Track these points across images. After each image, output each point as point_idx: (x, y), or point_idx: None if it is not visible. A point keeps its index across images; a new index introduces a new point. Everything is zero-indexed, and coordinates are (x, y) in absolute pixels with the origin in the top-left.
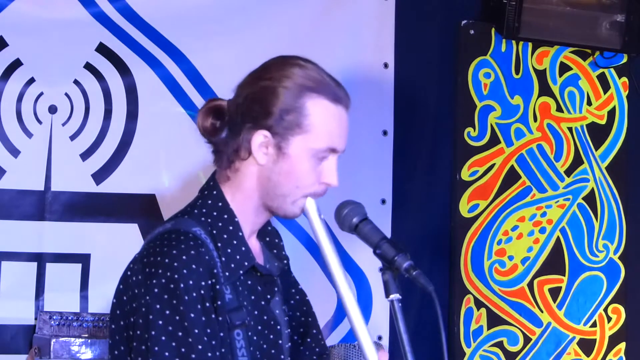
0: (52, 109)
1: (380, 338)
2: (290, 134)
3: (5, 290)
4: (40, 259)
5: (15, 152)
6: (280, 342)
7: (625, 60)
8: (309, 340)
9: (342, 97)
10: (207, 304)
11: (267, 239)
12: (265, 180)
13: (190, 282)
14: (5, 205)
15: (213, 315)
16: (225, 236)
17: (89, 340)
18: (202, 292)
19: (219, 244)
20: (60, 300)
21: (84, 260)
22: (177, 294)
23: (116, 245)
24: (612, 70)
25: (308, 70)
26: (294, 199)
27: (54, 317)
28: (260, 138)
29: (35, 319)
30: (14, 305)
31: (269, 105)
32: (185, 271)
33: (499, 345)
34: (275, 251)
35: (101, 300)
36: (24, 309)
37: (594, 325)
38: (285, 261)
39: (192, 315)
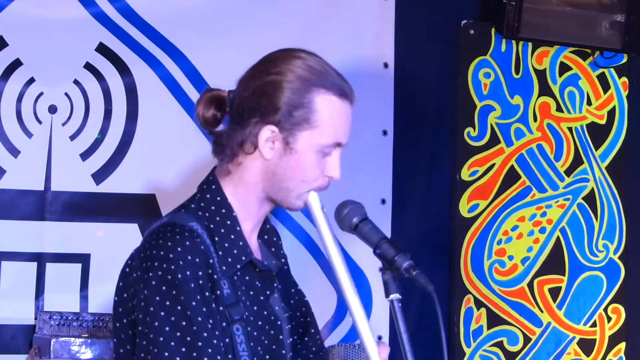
0: (52, 109)
1: (380, 338)
2: (298, 130)
3: (5, 290)
4: (40, 259)
5: (15, 152)
6: (281, 337)
7: (625, 60)
8: (306, 339)
9: (347, 92)
10: (207, 294)
11: (266, 237)
12: (271, 174)
13: (188, 273)
14: (5, 205)
15: (213, 305)
16: (222, 230)
17: (89, 340)
18: (201, 282)
19: (216, 238)
20: (60, 300)
21: (84, 260)
22: (176, 285)
23: (116, 245)
24: (612, 70)
25: (313, 63)
26: (298, 193)
27: (54, 317)
28: (267, 133)
29: (35, 319)
30: (14, 305)
31: (276, 100)
32: (181, 262)
33: (499, 345)
34: (273, 249)
35: (101, 300)
36: (24, 309)
37: (594, 325)
38: (283, 260)
39: (194, 304)
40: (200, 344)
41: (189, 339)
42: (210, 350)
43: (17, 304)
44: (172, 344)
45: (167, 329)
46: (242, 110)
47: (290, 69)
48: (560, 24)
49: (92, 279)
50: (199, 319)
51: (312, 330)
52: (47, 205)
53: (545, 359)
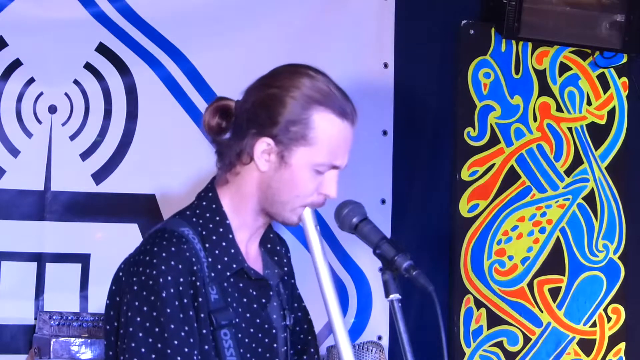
0: (52, 109)
1: (380, 338)
2: (295, 145)
3: (5, 290)
4: (40, 259)
5: (15, 152)
6: (275, 345)
7: (625, 60)
8: (305, 357)
9: (348, 112)
10: (186, 300)
11: (268, 245)
12: (266, 187)
13: (169, 278)
14: (5, 205)
15: (192, 312)
16: (214, 237)
17: (89, 340)
18: (181, 288)
19: (207, 245)
20: (60, 300)
21: (84, 260)
22: (155, 290)
23: (116, 245)
24: (612, 70)
25: (317, 81)
26: (292, 207)
27: (54, 317)
28: (263, 145)
29: (35, 319)
30: (14, 305)
31: (275, 114)
32: (163, 267)
33: (499, 345)
34: (276, 258)
35: (101, 300)
36: (24, 309)
37: (593, 325)
38: (286, 268)
39: (169, 310)
40: (169, 351)
41: (159, 345)
42: (179, 358)
43: (17, 304)
44: (143, 350)
45: (141, 334)
46: (242, 121)
47: (293, 85)
48: (560, 24)
49: (92, 279)
50: (172, 326)
51: (312, 350)
52: (47, 205)
53: (545, 359)
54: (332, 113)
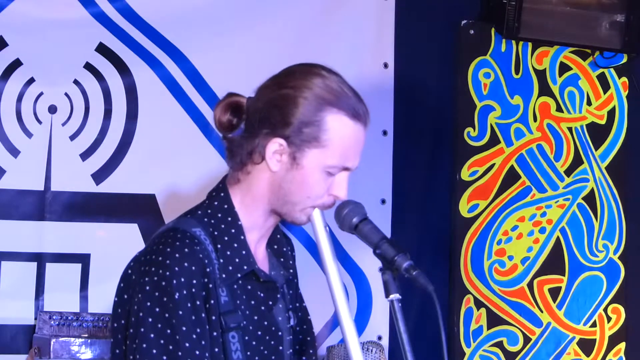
0: (52, 109)
1: (380, 338)
2: (307, 146)
3: (5, 290)
4: (40, 259)
5: (15, 152)
6: (281, 348)
7: (625, 60)
8: (304, 358)
9: (361, 114)
10: (198, 303)
11: (275, 246)
12: (277, 187)
13: (182, 280)
14: (5, 205)
15: (204, 315)
16: (226, 238)
17: (89, 340)
18: (194, 290)
19: (219, 246)
20: (60, 300)
21: (84, 260)
22: (168, 291)
23: (116, 245)
24: (612, 70)
25: (330, 82)
26: (303, 207)
27: (54, 317)
28: (275, 146)
29: (35, 319)
30: (14, 305)
31: (288, 114)
32: (177, 269)
33: (499, 345)
34: (282, 259)
35: (101, 300)
36: (24, 309)
37: (593, 325)
38: (291, 270)
39: (181, 312)
40: (180, 353)
41: (170, 347)
42: None
43: (17, 304)
44: (154, 351)
45: (152, 335)
46: (254, 120)
47: (306, 85)
48: (560, 24)
49: (92, 279)
50: (184, 328)
51: (311, 351)
52: (47, 205)
53: (545, 359)
54: (345, 115)
